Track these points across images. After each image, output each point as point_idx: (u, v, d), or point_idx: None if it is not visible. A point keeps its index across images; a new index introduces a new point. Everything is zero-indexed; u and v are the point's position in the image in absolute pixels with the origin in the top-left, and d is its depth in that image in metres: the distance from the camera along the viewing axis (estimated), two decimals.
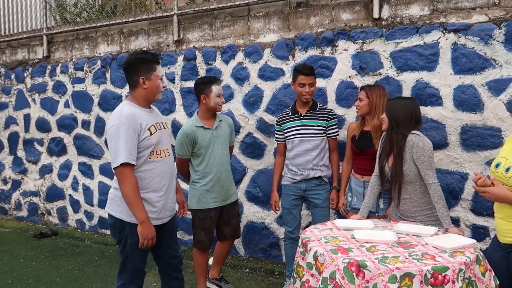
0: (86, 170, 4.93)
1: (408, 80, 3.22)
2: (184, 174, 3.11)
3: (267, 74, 3.77)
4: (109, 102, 4.68)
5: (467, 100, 3.04)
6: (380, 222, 2.43)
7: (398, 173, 2.38)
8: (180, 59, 4.22)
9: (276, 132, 3.29)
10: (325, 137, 3.14)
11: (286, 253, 3.31)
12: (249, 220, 3.95)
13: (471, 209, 3.09)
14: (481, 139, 3.00)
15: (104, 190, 4.80)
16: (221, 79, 3.74)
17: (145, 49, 4.44)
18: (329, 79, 3.51)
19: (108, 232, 4.85)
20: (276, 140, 3.31)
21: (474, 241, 2.01)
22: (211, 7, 4.01)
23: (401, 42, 3.22)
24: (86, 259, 4.11)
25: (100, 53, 4.78)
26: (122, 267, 2.40)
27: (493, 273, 1.91)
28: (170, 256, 2.53)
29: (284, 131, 3.17)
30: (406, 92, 3.22)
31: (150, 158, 2.33)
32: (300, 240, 2.16)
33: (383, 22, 3.31)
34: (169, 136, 2.52)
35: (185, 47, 4.24)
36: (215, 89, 2.95)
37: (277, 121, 3.27)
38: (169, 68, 4.29)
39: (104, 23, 4.65)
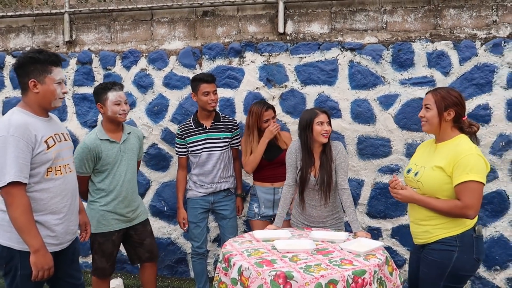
0: None
1: (311, 93, 3.40)
2: (81, 193, 2.59)
3: (172, 82, 3.63)
4: None
5: (362, 113, 3.33)
6: (294, 230, 2.50)
7: (328, 180, 2.47)
8: (73, 62, 3.82)
9: (177, 145, 3.14)
10: (230, 148, 3.14)
11: (195, 269, 3.19)
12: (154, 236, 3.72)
13: (367, 212, 3.38)
14: (374, 149, 3.32)
15: None
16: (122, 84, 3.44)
17: (28, 48, 3.91)
18: (237, 89, 3.52)
19: None
20: (177, 153, 3.18)
21: (381, 243, 2.19)
22: (109, 7, 3.72)
23: (305, 57, 3.40)
24: None
25: None
26: None
27: (399, 272, 2.10)
28: (70, 285, 2.21)
29: (188, 145, 3.07)
30: (310, 104, 3.40)
31: (47, 175, 2.01)
32: (221, 255, 2.09)
33: (288, 37, 3.46)
34: (71, 149, 2.22)
35: (79, 49, 3.86)
36: (111, 96, 2.60)
37: (178, 133, 3.11)
38: None
39: None
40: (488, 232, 3.18)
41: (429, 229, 2.01)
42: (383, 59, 3.29)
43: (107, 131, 2.67)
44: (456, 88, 3.15)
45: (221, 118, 3.13)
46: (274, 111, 3.08)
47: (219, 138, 3.06)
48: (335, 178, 2.53)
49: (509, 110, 3.12)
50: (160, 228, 3.71)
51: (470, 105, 3.17)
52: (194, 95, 3.02)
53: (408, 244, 3.30)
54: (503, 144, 3.14)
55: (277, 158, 3.01)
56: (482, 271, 3.20)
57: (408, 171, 2.15)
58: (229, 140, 3.12)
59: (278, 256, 1.98)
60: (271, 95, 3.45)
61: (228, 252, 2.05)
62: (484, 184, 1.92)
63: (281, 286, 1.74)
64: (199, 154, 3.03)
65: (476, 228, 1.99)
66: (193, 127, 3.06)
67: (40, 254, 1.92)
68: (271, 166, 3.03)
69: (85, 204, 2.59)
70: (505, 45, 3.11)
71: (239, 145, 3.21)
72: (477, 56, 3.16)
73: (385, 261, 2.01)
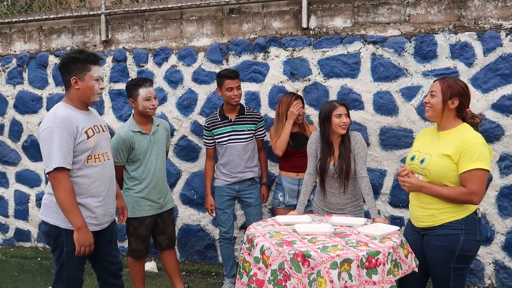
0: (0, 178, 4.50)
1: (334, 86, 3.50)
2: (117, 180, 2.80)
3: (201, 77, 3.82)
4: (26, 104, 4.35)
5: (384, 105, 3.39)
6: (315, 216, 2.63)
7: (346, 169, 2.58)
8: (109, 60, 4.08)
9: (205, 137, 3.33)
10: (254, 139, 3.29)
11: (223, 253, 3.38)
12: (184, 223, 3.95)
13: (389, 202, 3.45)
14: (396, 140, 3.38)
15: (21, 199, 4.43)
16: (153, 80, 3.64)
17: (68, 48, 4.21)
18: (262, 83, 3.67)
19: (26, 244, 4.48)
20: (205, 144, 3.36)
21: (398, 228, 2.28)
22: (141, 8, 3.95)
23: (328, 51, 3.50)
24: (3, 275, 3.76)
25: (15, 51, 4.41)
26: (58, 277, 2.28)
27: (414, 255, 2.18)
28: (109, 262, 2.46)
29: (215, 137, 3.24)
30: (333, 97, 3.49)
31: (87, 162, 2.24)
32: (245, 237, 2.25)
33: (311, 32, 3.56)
34: (108, 140, 2.44)
35: (114, 47, 4.11)
36: (142, 92, 2.78)
37: (205, 126, 3.30)
38: None
39: (21, 19, 4.32)
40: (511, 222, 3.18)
41: (434, 213, 2.07)
42: (406, 52, 3.33)
43: (138, 123, 2.88)
44: (481, 79, 3.18)
45: (245, 111, 3.28)
46: (303, 102, 3.23)
47: (244, 130, 3.22)
48: (354, 167, 2.62)
49: None
50: (190, 215, 3.93)
51: (495, 95, 3.18)
52: (219, 90, 3.19)
53: None
54: None
55: (304, 147, 3.12)
56: (507, 261, 3.21)
57: (412, 158, 2.22)
58: (253, 131, 3.27)
59: (298, 238, 2.12)
60: (295, 88, 3.57)
61: (252, 234, 2.21)
62: (489, 172, 1.99)
63: (300, 263, 1.88)
64: (225, 145, 3.20)
65: (476, 211, 2.07)
66: (219, 120, 3.23)
67: (82, 232, 2.15)
68: (298, 155, 3.15)
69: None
70: None
71: (264, 136, 3.35)
72: (502, 46, 3.15)
73: (400, 244, 2.10)
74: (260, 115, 3.36)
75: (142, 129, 2.86)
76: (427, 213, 2.11)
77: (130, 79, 3.45)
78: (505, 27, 3.16)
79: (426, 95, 2.21)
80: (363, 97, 3.43)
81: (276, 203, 3.24)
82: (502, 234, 3.22)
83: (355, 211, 2.70)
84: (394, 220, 3.40)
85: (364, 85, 3.43)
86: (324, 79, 3.53)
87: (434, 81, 2.20)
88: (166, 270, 3.12)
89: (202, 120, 3.81)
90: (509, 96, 3.15)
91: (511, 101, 3.15)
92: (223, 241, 3.33)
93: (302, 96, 3.55)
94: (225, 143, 3.20)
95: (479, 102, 3.19)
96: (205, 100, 3.82)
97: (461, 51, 3.22)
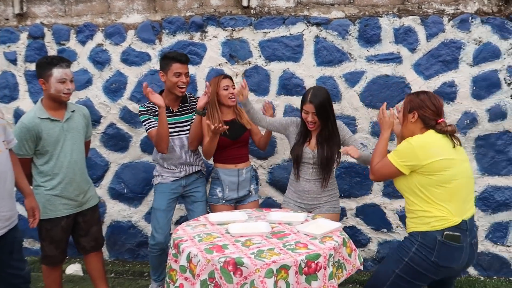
0: None
1: (275, 70, 3.27)
2: (26, 176, 2.37)
3: (131, 58, 3.43)
4: None
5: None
6: (253, 212, 2.42)
7: (329, 156, 2.51)
8: (24, 36, 3.57)
9: (146, 121, 2.77)
10: None
11: (152, 262, 2.92)
12: (114, 220, 3.59)
13: None
14: None
15: None
16: (71, 61, 2.91)
17: None
18: (199, 66, 3.36)
19: None
20: (150, 128, 2.74)
21: (340, 224, 2.13)
22: None
23: (269, 32, 3.25)
24: None
25: None
26: None
27: (357, 253, 2.05)
28: (11, 276, 2.07)
29: None
30: (274, 82, 3.28)
31: None
32: (171, 241, 1.99)
33: (252, 11, 3.29)
34: (3, 128, 2.04)
35: (30, 22, 3.59)
36: (57, 72, 2.39)
37: (143, 111, 2.79)
38: (9, 46, 3.59)
39: None
40: None
41: (407, 220, 2.09)
42: (350, 35, 3.17)
43: (48, 109, 2.46)
44: (423, 65, 3.10)
45: (188, 98, 2.94)
46: (232, 81, 2.89)
47: (188, 121, 2.88)
48: (335, 157, 2.56)
49: (474, 88, 3.09)
50: (120, 211, 3.58)
51: (436, 82, 3.12)
52: (163, 75, 2.77)
53: (372, 223, 3.28)
54: (468, 122, 3.11)
55: (241, 137, 2.88)
56: None
57: None
58: None
59: (231, 241, 1.90)
60: (234, 71, 3.31)
61: (178, 238, 1.95)
62: (397, 169, 1.98)
63: (231, 273, 1.66)
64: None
65: (445, 233, 1.91)
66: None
67: None
68: (234, 145, 2.87)
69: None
70: (472, 21, 3.04)
71: None
72: (444, 32, 3.08)
73: (342, 243, 1.95)
74: None
75: (52, 115, 2.44)
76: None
77: (43, 56, 2.98)
78: (448, 12, 3.09)
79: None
80: (306, 82, 3.25)
81: (214, 200, 2.89)
82: None
83: (331, 201, 2.61)
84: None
85: (307, 70, 3.24)
86: (265, 62, 3.29)
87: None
88: (89, 274, 2.75)
89: (132, 106, 3.45)
90: (450, 83, 3.10)
91: (452, 88, 3.11)
92: (155, 248, 2.85)
93: (242, 79, 3.31)
94: None
95: (421, 89, 3.11)
96: (135, 84, 3.45)
97: (404, 36, 3.12)
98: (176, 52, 2.85)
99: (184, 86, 2.77)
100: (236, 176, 2.89)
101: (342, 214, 3.30)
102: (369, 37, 3.15)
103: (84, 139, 2.63)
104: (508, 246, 3.17)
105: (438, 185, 1.91)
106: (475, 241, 2.02)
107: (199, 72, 3.37)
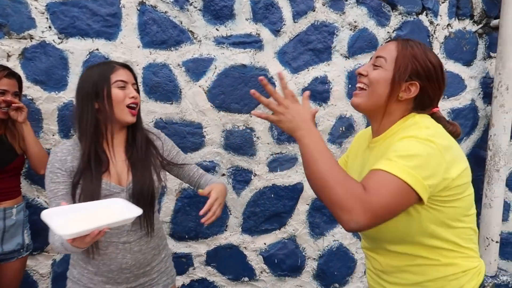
0: None
1: (77, 51, 2.08)
2: None
3: None
4: None
5: (160, 85, 2.18)
6: None
7: (149, 185, 1.37)
8: None
9: None
10: None
11: None
12: None
13: (170, 234, 2.31)
14: (179, 139, 2.23)
15: None
16: None
17: None
18: None
19: None
20: None
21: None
22: None
23: None
24: None
25: None
26: None
27: None
28: None
29: None
30: (74, 69, 2.08)
31: None
32: None
33: None
34: None
35: None
36: None
37: None
38: None
39: None
40: (326, 242, 2.47)
41: None
42: (191, 5, 2.18)
43: None
44: (290, 54, 2.30)
45: None
46: (20, 82, 1.86)
47: None
48: (160, 184, 1.42)
49: (350, 86, 2.40)
50: None
51: (306, 77, 2.35)
52: None
53: (229, 272, 2.37)
54: (343, 129, 2.42)
55: (10, 166, 1.80)
56: None
57: None
58: None
59: None
60: (4, 50, 2.01)
61: None
62: (416, 195, 0.93)
63: None
64: None
65: None
66: None
67: None
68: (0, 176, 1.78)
69: None
70: (347, 0, 2.35)
71: None
72: (314, 11, 2.32)
73: None
74: None
75: None
76: None
77: None
78: None
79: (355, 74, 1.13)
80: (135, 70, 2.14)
81: None
82: (314, 259, 2.48)
83: (169, 266, 1.52)
84: (178, 260, 2.29)
85: (129, 52, 2.14)
86: (59, 37, 2.07)
87: (386, 41, 1.21)
88: None
89: None
90: (322, 78, 2.36)
91: (324, 86, 2.37)
92: None
93: (19, 64, 2.06)
94: None
95: (288, 86, 2.31)
96: None
97: (265, 12, 2.26)
98: None
99: None
100: (1, 219, 1.79)
101: (187, 264, 2.32)
102: (218, 10, 2.20)
103: None
104: None
105: (465, 214, 1.03)
106: None
107: None
